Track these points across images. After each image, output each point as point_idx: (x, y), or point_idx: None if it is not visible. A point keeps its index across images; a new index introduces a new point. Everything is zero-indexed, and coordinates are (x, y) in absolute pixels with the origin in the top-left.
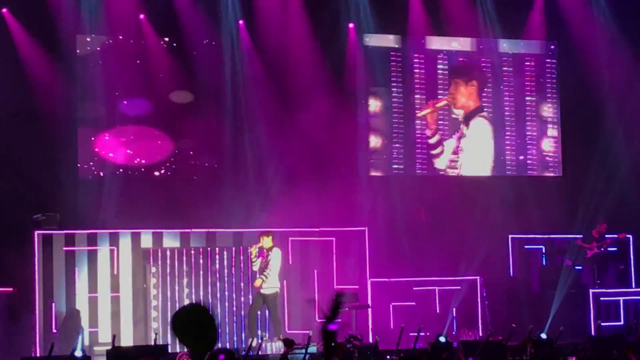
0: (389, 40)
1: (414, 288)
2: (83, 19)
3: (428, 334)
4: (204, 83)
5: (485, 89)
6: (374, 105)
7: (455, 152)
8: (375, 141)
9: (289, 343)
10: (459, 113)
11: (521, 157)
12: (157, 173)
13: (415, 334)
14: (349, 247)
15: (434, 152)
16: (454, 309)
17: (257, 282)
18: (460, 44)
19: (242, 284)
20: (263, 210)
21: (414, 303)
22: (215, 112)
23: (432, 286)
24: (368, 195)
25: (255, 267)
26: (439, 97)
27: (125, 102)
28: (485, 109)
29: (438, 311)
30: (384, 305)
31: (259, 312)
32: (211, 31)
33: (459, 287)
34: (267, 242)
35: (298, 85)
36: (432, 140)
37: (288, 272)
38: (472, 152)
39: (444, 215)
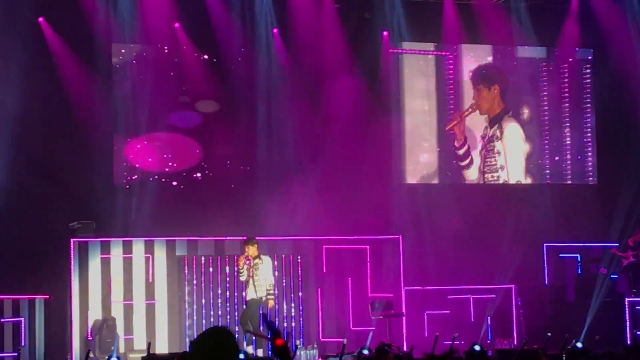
0: (423, 48)
1: (449, 296)
2: (118, 28)
3: (463, 342)
4: (237, 91)
5: (521, 97)
6: (409, 112)
7: (485, 157)
8: (409, 149)
9: None
10: (483, 118)
11: (556, 165)
12: (191, 180)
13: (450, 342)
14: (383, 255)
15: (463, 163)
16: (489, 318)
17: (249, 293)
18: (484, 50)
19: (276, 291)
20: (297, 218)
21: (448, 311)
22: (249, 120)
23: (467, 294)
24: (403, 203)
25: (242, 278)
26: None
27: (159, 110)
28: (519, 116)
29: (473, 319)
30: (419, 313)
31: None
32: (245, 39)
33: (494, 296)
34: (252, 250)
35: (332, 93)
36: (460, 152)
37: (322, 280)
38: (502, 158)
39: (479, 223)
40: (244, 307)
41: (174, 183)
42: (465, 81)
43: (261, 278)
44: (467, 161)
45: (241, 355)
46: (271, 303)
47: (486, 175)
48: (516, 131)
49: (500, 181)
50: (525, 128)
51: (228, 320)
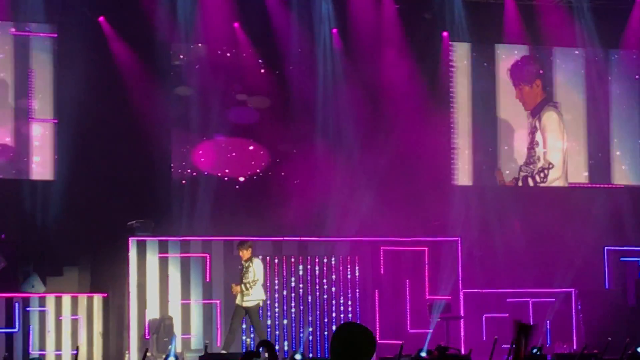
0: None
1: (508, 299)
2: (178, 28)
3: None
4: (295, 90)
5: (577, 99)
6: (467, 113)
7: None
8: (468, 151)
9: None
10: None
11: (617, 167)
12: (248, 180)
13: (509, 346)
14: (441, 257)
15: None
16: (548, 321)
17: (235, 290)
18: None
19: (333, 290)
20: (355, 219)
21: (507, 315)
22: (307, 120)
23: (526, 298)
24: (461, 205)
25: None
26: None
27: (218, 109)
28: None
29: (532, 323)
30: (477, 316)
31: (243, 325)
32: (304, 39)
33: (553, 299)
34: (245, 253)
35: (390, 93)
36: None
37: (379, 282)
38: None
39: (539, 225)
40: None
41: (232, 183)
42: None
43: (253, 280)
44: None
45: (297, 356)
46: (236, 290)
47: (545, 175)
48: (554, 117)
49: (560, 183)
50: (561, 113)
51: (285, 321)
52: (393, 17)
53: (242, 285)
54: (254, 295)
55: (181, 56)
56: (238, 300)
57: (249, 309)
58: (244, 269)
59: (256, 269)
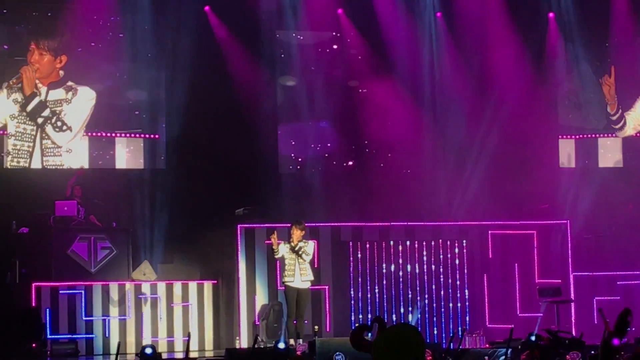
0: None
1: (619, 282)
2: (283, 15)
3: (634, 329)
4: (400, 76)
5: None
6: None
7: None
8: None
9: None
10: None
11: None
12: (355, 166)
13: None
14: (550, 240)
15: (616, 126)
16: None
17: (307, 278)
18: None
19: (441, 278)
20: (462, 203)
21: (618, 297)
22: (413, 104)
23: (638, 280)
24: (570, 187)
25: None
26: None
27: (323, 95)
28: None
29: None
30: (587, 299)
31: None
32: (408, 24)
33: None
34: (300, 233)
35: (496, 75)
36: (614, 117)
37: (488, 266)
38: None
39: None
40: (285, 296)
41: (338, 168)
42: None
43: (307, 261)
44: (621, 123)
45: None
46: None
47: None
48: None
49: None
50: None
51: (393, 306)
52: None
53: (301, 263)
54: (309, 275)
55: (285, 44)
56: (290, 282)
57: (303, 290)
58: (301, 250)
59: (311, 250)
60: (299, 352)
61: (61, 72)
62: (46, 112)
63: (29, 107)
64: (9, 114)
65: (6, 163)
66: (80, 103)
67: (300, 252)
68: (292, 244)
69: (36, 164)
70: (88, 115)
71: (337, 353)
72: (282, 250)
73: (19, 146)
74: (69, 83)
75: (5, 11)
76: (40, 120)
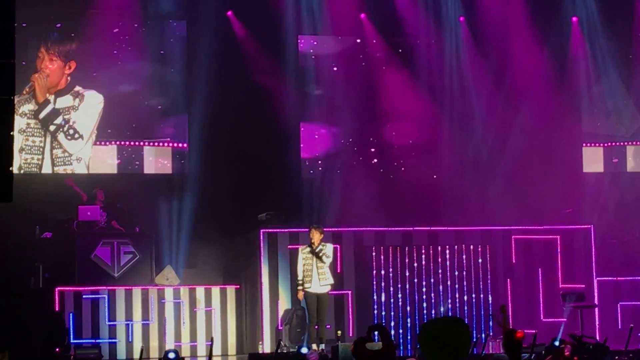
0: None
1: None
2: (304, 20)
3: None
4: (423, 80)
5: None
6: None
7: None
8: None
9: None
10: None
11: None
12: (378, 171)
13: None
14: (574, 245)
15: None
16: None
17: (326, 281)
18: None
19: (464, 282)
20: (485, 208)
21: None
22: (436, 108)
23: None
24: (593, 192)
25: (303, 269)
26: None
27: (344, 100)
28: None
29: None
30: (611, 304)
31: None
32: (431, 28)
33: None
34: (318, 236)
35: (519, 80)
36: None
37: (511, 271)
38: None
39: None
40: (303, 303)
41: (360, 173)
42: None
43: (327, 265)
44: None
45: None
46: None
47: None
48: None
49: None
50: None
51: (416, 311)
52: (521, 2)
53: (320, 268)
54: (329, 279)
55: (308, 48)
56: (308, 288)
57: (322, 295)
58: (321, 252)
59: (331, 252)
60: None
61: (68, 79)
62: (59, 120)
63: (42, 115)
64: (17, 129)
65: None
66: (87, 109)
67: (320, 255)
68: (313, 246)
69: (47, 163)
70: (97, 121)
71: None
72: (300, 257)
73: (28, 160)
74: (76, 88)
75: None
76: (52, 127)
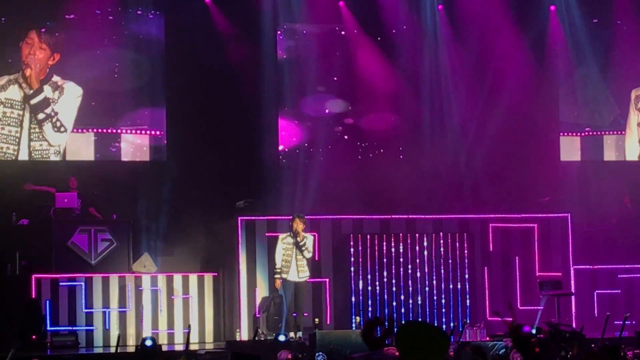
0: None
1: (619, 275)
2: (283, 7)
3: (634, 322)
4: (401, 69)
5: None
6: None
7: None
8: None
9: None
10: None
11: None
12: (355, 159)
13: (621, 322)
14: (551, 233)
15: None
16: None
17: (303, 274)
18: None
19: (442, 271)
20: (462, 196)
21: (619, 291)
22: (414, 97)
23: (638, 273)
24: (570, 180)
25: (282, 259)
26: None
27: (324, 88)
28: None
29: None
30: (588, 292)
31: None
32: (410, 16)
33: None
34: (302, 226)
35: (498, 68)
36: None
37: (489, 259)
38: None
39: None
40: (281, 290)
41: (338, 161)
42: None
43: (308, 255)
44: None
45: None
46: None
47: None
48: None
49: None
50: None
51: (394, 299)
52: None
53: (299, 260)
54: (307, 272)
55: (287, 36)
56: (288, 276)
57: (301, 283)
58: (304, 246)
59: (311, 246)
60: (289, 356)
61: (47, 70)
62: (48, 110)
63: (33, 101)
64: None
65: None
66: (67, 102)
67: (302, 249)
68: (298, 238)
69: (23, 155)
70: (76, 115)
71: (318, 353)
72: (280, 245)
73: (4, 148)
74: (54, 79)
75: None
76: (41, 116)
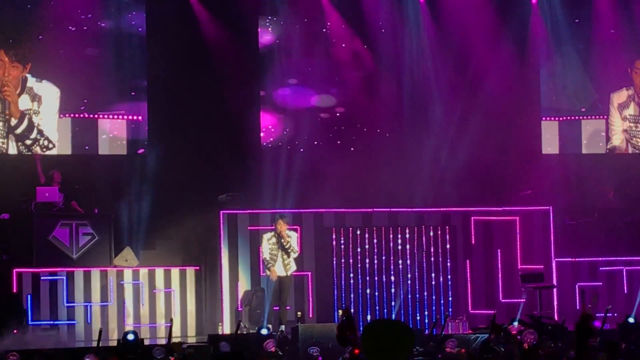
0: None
1: (601, 268)
2: (265, 0)
3: (616, 314)
4: (383, 62)
5: None
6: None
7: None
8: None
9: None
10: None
11: None
12: (337, 151)
13: (603, 314)
14: (533, 226)
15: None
16: None
17: (290, 269)
18: None
19: (424, 264)
20: (444, 189)
21: (600, 283)
22: (395, 89)
23: (620, 266)
24: (551, 173)
25: (269, 255)
26: None
27: (306, 80)
28: None
29: (626, 291)
30: (570, 285)
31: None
32: (391, 10)
33: None
34: (284, 226)
35: (479, 61)
36: None
37: (471, 252)
38: None
39: (633, 192)
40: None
41: (321, 154)
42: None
43: (294, 253)
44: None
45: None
46: (290, 269)
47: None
48: None
49: None
50: None
51: (376, 293)
52: None
53: (285, 259)
54: (293, 266)
55: (268, 29)
56: (279, 272)
57: (286, 278)
58: (290, 248)
59: (296, 245)
60: (272, 349)
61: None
62: (34, 134)
63: (19, 130)
64: None
65: None
66: (47, 109)
67: (289, 251)
68: (282, 241)
69: (12, 149)
70: (57, 114)
71: (311, 347)
72: (265, 245)
73: None
74: (29, 84)
75: None
76: (29, 142)
